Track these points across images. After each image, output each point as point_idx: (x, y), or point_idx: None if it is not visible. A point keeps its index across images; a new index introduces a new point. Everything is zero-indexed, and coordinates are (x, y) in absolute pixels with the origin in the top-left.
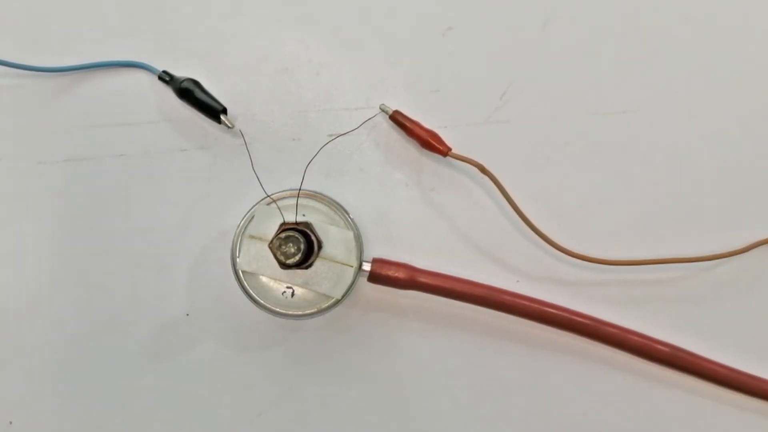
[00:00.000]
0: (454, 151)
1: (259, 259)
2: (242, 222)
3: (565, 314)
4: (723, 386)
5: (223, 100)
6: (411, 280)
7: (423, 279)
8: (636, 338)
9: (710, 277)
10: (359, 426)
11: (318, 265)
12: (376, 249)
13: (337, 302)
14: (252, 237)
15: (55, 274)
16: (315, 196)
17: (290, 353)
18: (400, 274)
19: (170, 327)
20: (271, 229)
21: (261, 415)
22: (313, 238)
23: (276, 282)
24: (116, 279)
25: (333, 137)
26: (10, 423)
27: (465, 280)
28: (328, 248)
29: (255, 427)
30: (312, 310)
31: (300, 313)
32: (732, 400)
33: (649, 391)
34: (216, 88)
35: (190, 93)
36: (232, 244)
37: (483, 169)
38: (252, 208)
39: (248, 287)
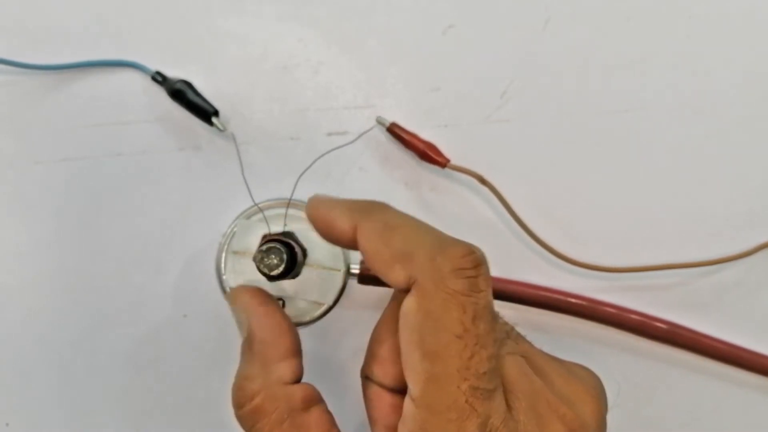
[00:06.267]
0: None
1: (245, 274)
2: (224, 239)
3: (561, 296)
4: (723, 362)
5: (220, 99)
6: None
7: None
8: (634, 316)
9: (714, 281)
10: (360, 427)
11: (306, 273)
12: None
13: (330, 308)
14: (236, 253)
15: (53, 274)
16: (296, 204)
17: None
18: None
19: (168, 328)
20: (254, 243)
21: None
22: (295, 247)
23: None
24: (114, 279)
25: (327, 151)
26: (7, 425)
27: None
28: (314, 255)
29: None
30: (305, 320)
31: (294, 322)
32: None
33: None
34: (213, 87)
35: (182, 95)
36: (216, 263)
37: (482, 180)
38: (232, 223)
39: None
